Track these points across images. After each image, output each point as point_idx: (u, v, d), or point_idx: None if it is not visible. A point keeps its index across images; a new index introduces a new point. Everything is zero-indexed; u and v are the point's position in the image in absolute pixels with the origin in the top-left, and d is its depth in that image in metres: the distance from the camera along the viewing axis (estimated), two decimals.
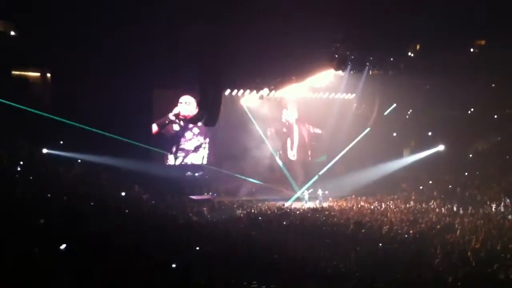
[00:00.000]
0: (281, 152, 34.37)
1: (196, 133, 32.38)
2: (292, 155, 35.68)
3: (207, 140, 32.76)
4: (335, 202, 27.95)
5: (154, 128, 30.96)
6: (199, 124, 31.24)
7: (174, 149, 31.82)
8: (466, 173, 28.99)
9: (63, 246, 10.28)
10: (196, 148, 32.52)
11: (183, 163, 32.20)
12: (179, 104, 31.40)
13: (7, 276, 7.98)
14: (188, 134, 32.18)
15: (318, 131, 35.95)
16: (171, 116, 31.27)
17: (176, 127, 31.61)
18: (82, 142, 24.73)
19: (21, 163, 20.22)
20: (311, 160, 35.59)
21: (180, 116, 31.45)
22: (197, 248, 13.39)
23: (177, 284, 8.53)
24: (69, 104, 25.41)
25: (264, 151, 32.35)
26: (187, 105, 31.43)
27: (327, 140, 35.11)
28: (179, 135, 31.90)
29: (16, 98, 22.70)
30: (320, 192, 29.23)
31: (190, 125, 31.84)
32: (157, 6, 24.60)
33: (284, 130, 35.34)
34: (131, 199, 22.42)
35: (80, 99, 25.40)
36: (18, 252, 9.13)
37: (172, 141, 31.77)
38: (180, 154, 32.07)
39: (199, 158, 32.67)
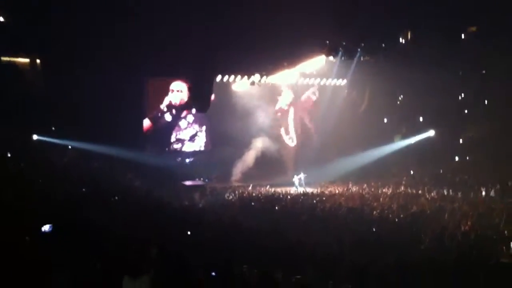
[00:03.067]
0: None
1: (191, 121, 32.12)
2: (290, 139, 35.59)
3: (203, 128, 32.52)
4: (326, 188, 28.07)
5: (147, 123, 30.33)
6: (193, 111, 31.19)
7: (171, 140, 31.56)
8: (456, 158, 29.21)
9: (47, 227, 10.23)
10: (192, 137, 32.32)
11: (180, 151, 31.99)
12: (170, 92, 30.97)
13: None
14: (182, 123, 31.89)
15: (309, 125, 36.02)
16: (163, 107, 30.85)
17: (168, 118, 31.16)
18: (73, 129, 24.67)
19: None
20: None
21: (172, 105, 31.09)
22: (188, 232, 13.44)
23: (172, 269, 8.54)
24: (59, 90, 25.25)
25: (257, 136, 32.32)
26: (178, 93, 31.09)
27: (319, 126, 35.15)
28: (172, 125, 31.63)
29: (5, 84, 22.60)
30: (302, 175, 29.28)
31: (184, 114, 31.54)
32: None
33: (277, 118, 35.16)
34: (123, 186, 22.42)
35: (70, 85, 25.23)
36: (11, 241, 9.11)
37: (166, 132, 31.42)
38: (177, 145, 31.88)
39: (197, 147, 32.52)
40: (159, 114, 30.59)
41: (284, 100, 35.22)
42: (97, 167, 23.92)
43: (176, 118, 31.52)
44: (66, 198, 15.27)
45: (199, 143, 32.54)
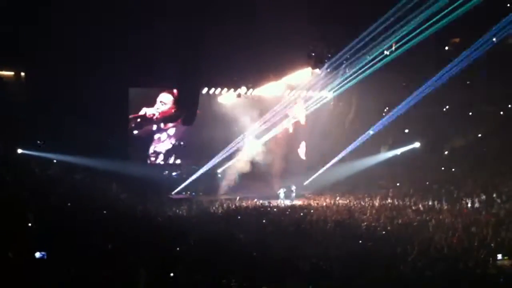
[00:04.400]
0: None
1: (172, 134, 31.92)
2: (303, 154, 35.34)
3: (182, 142, 32.30)
4: (313, 200, 28.02)
5: None
6: (173, 123, 30.98)
7: (150, 151, 31.39)
8: (442, 168, 29.33)
9: (38, 255, 10.12)
10: (168, 151, 32.03)
11: (156, 164, 31.83)
12: (155, 104, 30.77)
13: None
14: (163, 136, 31.74)
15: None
16: (137, 118, 30.46)
17: (154, 127, 31.08)
18: (58, 142, 24.46)
19: None
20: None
21: (146, 117, 30.74)
22: (178, 248, 13.32)
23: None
24: (44, 103, 25.09)
25: (242, 149, 32.20)
26: (161, 105, 30.81)
27: (306, 138, 35.11)
28: (151, 137, 31.38)
29: None
30: (293, 187, 29.18)
31: (170, 125, 31.26)
32: (132, 5, 24.42)
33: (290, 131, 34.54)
34: (109, 199, 22.23)
35: (55, 98, 25.09)
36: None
37: (147, 141, 31.26)
38: (153, 158, 31.70)
39: (171, 160, 32.29)
40: (133, 125, 30.34)
41: (301, 113, 34.39)
42: (82, 180, 23.68)
43: (161, 130, 31.36)
44: (52, 212, 15.11)
45: (176, 156, 32.31)
